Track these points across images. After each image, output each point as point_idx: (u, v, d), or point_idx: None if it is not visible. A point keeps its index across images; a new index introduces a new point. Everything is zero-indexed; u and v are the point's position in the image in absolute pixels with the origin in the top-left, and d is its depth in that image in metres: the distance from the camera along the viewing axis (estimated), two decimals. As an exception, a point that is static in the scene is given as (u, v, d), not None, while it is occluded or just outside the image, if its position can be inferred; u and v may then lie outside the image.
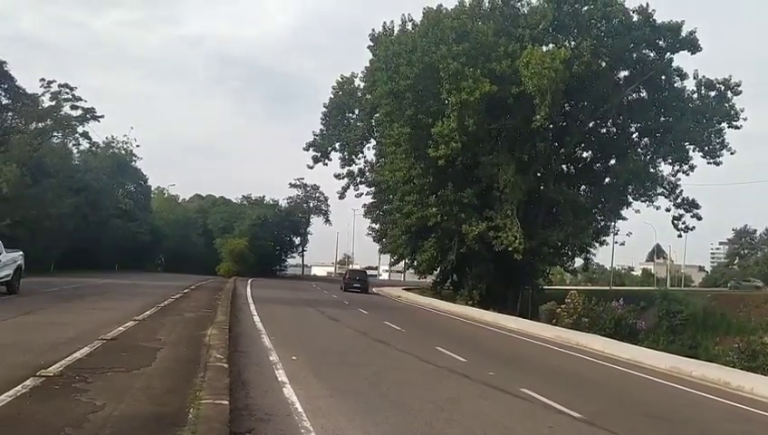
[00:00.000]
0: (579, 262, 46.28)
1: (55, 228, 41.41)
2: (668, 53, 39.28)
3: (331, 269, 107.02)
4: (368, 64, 45.50)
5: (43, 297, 21.68)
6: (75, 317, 15.75)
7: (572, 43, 37.65)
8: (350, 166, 54.05)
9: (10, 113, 43.66)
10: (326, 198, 78.32)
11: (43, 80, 46.41)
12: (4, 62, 41.26)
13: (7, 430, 5.96)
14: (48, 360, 9.30)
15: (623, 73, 40.33)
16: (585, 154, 44.57)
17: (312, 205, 78.91)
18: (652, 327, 31.11)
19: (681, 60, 42.81)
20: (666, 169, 42.24)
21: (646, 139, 42.30)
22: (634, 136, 42.85)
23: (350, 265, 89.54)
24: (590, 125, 41.88)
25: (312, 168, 56.49)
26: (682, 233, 44.19)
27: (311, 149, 55.09)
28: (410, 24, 40.25)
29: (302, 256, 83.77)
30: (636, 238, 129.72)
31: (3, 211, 35.71)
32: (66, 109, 47.73)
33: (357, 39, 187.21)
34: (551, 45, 37.47)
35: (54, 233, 41.55)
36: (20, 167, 37.80)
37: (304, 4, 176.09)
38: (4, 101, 42.83)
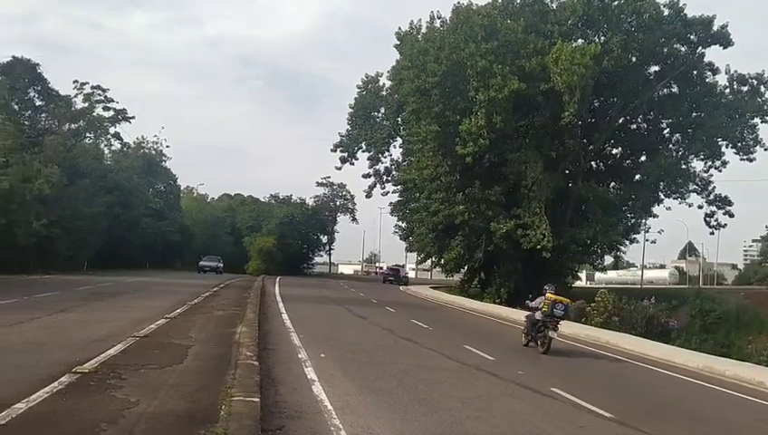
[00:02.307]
0: (609, 260, 45.68)
1: (89, 228, 42.23)
2: (700, 48, 38.63)
3: (358, 267, 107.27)
4: (393, 63, 45.58)
5: (78, 295, 22.14)
6: (109, 315, 16.07)
7: (602, 38, 37.15)
8: (376, 165, 54.33)
9: (44, 115, 44.62)
10: (352, 197, 78.67)
11: (76, 82, 47.40)
12: (38, 65, 42.22)
13: (44, 426, 6.11)
14: (83, 357, 9.51)
15: (654, 68, 39.75)
16: (615, 151, 44.01)
17: (338, 203, 79.21)
18: (684, 326, 30.64)
19: (713, 54, 41.99)
20: (698, 165, 41.53)
21: (677, 135, 41.61)
22: (665, 132, 42.20)
23: (381, 263, 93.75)
24: (620, 121, 41.32)
25: (339, 168, 57.11)
26: (714, 230, 43.43)
27: (338, 150, 55.50)
28: (439, 21, 40.17)
29: (329, 254, 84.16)
30: (667, 236, 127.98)
31: (40, 211, 36.53)
32: (98, 110, 48.66)
33: (381, 38, 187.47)
34: (580, 41, 37.10)
35: (88, 232, 42.39)
36: (57, 167, 38.70)
37: (326, 5, 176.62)
38: (38, 103, 43.77)
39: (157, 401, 7.17)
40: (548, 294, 16.36)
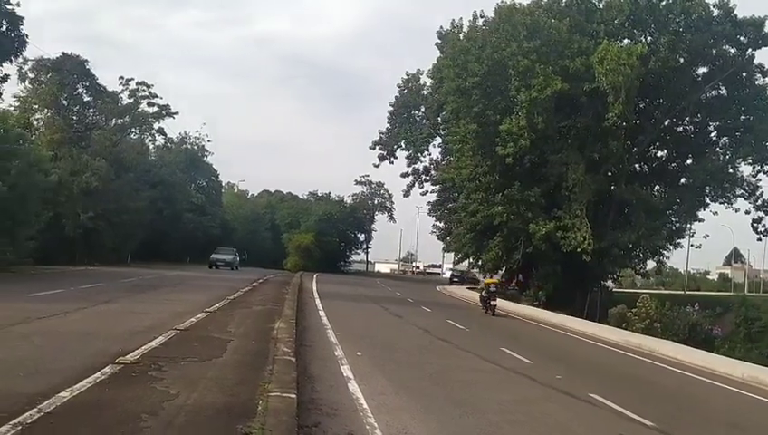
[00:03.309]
0: (651, 265, 44.73)
1: (133, 221, 43.12)
2: (750, 50, 37.49)
3: (395, 266, 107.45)
4: (434, 62, 45.39)
5: (122, 287, 22.65)
6: (150, 307, 16.38)
7: (649, 38, 36.39)
8: (415, 163, 54.32)
9: (91, 110, 45.68)
10: (390, 196, 78.75)
11: (121, 78, 48.42)
12: (86, 61, 43.21)
13: (87, 415, 6.24)
14: (126, 348, 9.69)
15: (702, 70, 38.72)
16: (660, 153, 43.02)
17: (376, 202, 79.37)
18: (729, 334, 29.92)
19: (763, 56, 40.80)
20: (745, 169, 40.25)
21: (725, 138, 40.49)
22: (712, 135, 41.09)
23: (417, 262, 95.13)
24: (666, 123, 40.39)
25: (377, 166, 57.29)
26: (761, 236, 42.12)
27: (377, 147, 55.65)
28: (481, 20, 39.86)
29: (366, 252, 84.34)
30: (713, 241, 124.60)
31: (87, 204, 37.47)
32: (143, 106, 49.65)
33: (423, 38, 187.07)
34: (626, 41, 36.38)
35: (132, 225, 43.28)
36: (104, 161, 39.69)
37: (369, 4, 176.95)
38: (86, 98, 44.84)
39: (196, 394, 7.26)
40: (485, 281, 31.77)
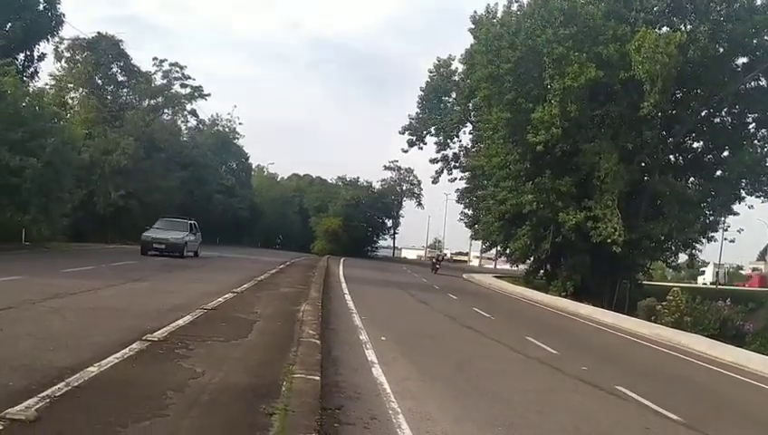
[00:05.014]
0: (683, 258, 43.92)
1: (164, 201, 43.57)
2: (793, 40, 36.36)
3: (422, 253, 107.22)
4: (467, 47, 44.89)
5: (152, 266, 22.94)
6: (179, 286, 16.56)
7: (689, 26, 35.47)
8: (444, 150, 53.96)
9: (125, 90, 46.19)
10: (419, 182, 78.37)
11: (155, 59, 48.96)
12: (121, 41, 43.65)
13: (114, 390, 6.31)
14: (154, 325, 9.81)
15: (742, 60, 37.56)
16: (695, 144, 42.04)
17: (404, 188, 79.08)
18: (761, 330, 29.28)
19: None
20: (785, 162, 39.14)
21: (764, 130, 39.35)
22: (750, 127, 39.96)
23: (444, 249, 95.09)
24: (703, 114, 39.43)
25: (406, 151, 56.98)
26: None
27: (406, 132, 55.39)
28: (516, 5, 39.27)
29: (393, 238, 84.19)
30: (747, 236, 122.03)
31: (118, 183, 37.98)
32: (176, 87, 50.07)
33: (454, 24, 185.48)
34: (665, 29, 35.52)
35: (163, 205, 43.74)
36: (135, 141, 40.11)
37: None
38: (120, 78, 45.33)
39: (221, 373, 7.32)
40: (436, 254, 57.64)
